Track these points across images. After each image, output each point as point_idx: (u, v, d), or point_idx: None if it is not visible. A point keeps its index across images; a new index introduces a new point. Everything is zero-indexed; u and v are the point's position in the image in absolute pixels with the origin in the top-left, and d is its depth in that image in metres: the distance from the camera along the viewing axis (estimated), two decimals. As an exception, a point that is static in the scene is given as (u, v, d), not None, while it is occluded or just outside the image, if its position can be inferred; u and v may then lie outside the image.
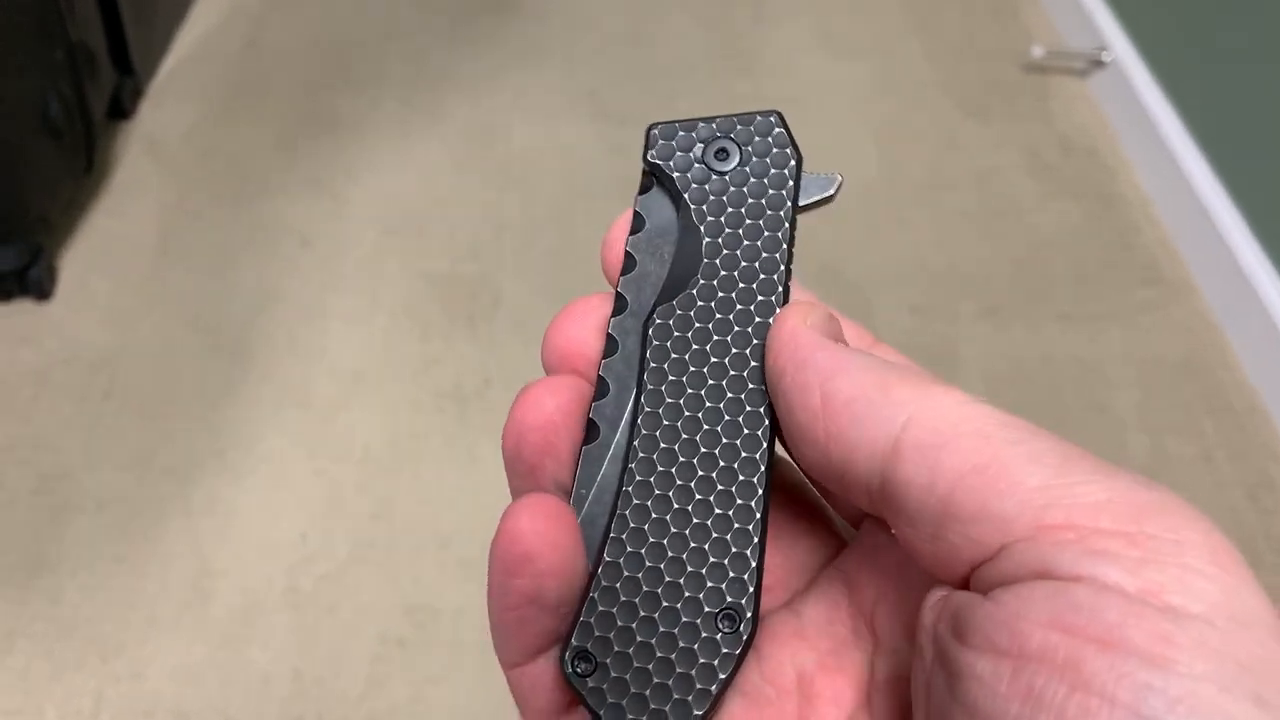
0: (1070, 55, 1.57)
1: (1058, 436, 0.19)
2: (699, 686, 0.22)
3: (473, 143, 1.44)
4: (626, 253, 0.25)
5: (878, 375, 0.20)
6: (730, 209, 0.25)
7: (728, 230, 0.25)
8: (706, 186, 0.25)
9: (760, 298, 0.24)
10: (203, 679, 0.93)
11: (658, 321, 0.24)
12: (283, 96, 1.50)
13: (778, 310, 0.24)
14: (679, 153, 0.25)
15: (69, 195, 1.27)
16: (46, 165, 1.20)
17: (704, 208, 0.25)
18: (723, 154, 0.25)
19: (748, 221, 0.25)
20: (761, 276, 0.24)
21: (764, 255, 0.25)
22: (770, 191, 0.25)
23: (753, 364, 0.24)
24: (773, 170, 0.25)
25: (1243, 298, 1.20)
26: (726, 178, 0.25)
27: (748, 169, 0.25)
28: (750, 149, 0.25)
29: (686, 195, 0.25)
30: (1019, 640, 0.17)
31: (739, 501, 0.22)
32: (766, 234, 0.25)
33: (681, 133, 0.25)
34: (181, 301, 1.22)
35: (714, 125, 0.25)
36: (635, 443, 0.23)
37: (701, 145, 0.25)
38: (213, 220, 1.32)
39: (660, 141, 0.25)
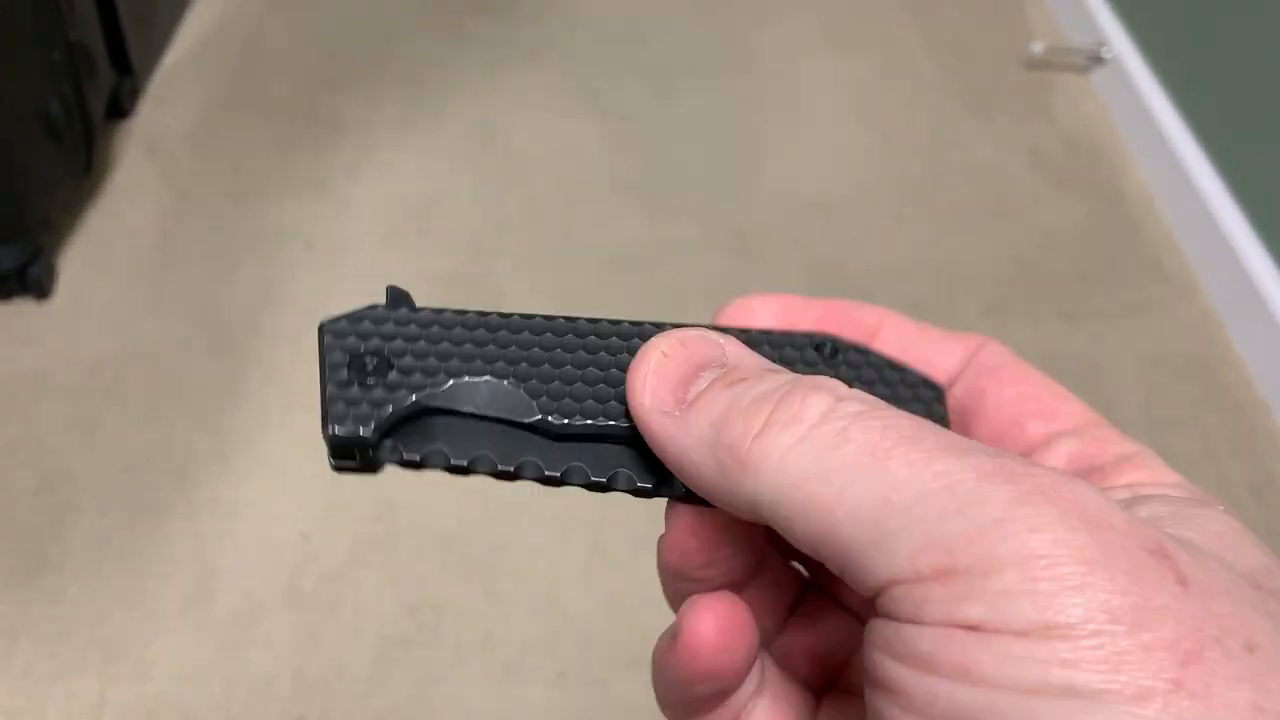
0: (1070, 51, 1.56)
1: (888, 451, 0.19)
2: None
3: (474, 142, 1.44)
4: None
5: (714, 455, 0.21)
6: (428, 361, 0.25)
7: None
8: (407, 381, 0.24)
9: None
10: (205, 679, 0.93)
11: (557, 420, 0.24)
12: (283, 96, 1.50)
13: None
14: (359, 407, 0.24)
15: (68, 195, 1.27)
16: (46, 165, 1.20)
17: (429, 387, 0.24)
18: (368, 364, 0.24)
19: (440, 346, 0.25)
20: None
21: (477, 332, 0.25)
22: (409, 329, 0.25)
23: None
24: (382, 327, 0.25)
25: (1245, 295, 1.19)
26: (396, 366, 0.24)
27: (385, 350, 0.25)
28: (366, 345, 0.25)
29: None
30: (870, 668, 0.19)
31: None
32: (456, 330, 0.25)
33: (334, 405, 0.23)
34: (183, 302, 1.22)
35: (331, 376, 0.24)
36: None
37: (355, 388, 0.24)
38: (214, 220, 1.32)
39: (340, 427, 0.24)
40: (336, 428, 0.23)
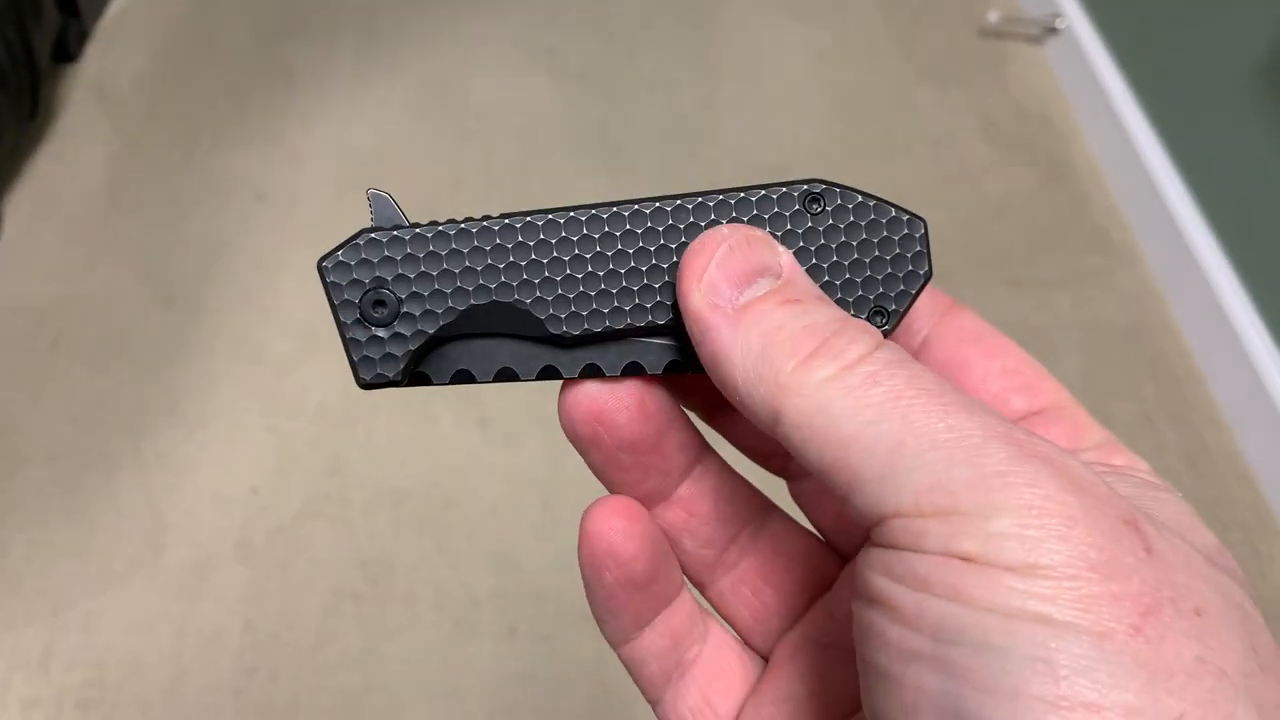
0: (1025, 21, 1.58)
1: (910, 400, 0.21)
2: None
3: (429, 96, 1.43)
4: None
5: (750, 363, 0.23)
6: (435, 287, 0.26)
7: None
8: (420, 315, 0.26)
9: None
10: (155, 631, 0.93)
11: (567, 329, 0.25)
12: (235, 44, 1.47)
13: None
14: (380, 351, 0.26)
15: (13, 141, 1.24)
16: (-9, 110, 1.17)
17: (442, 316, 0.26)
18: (377, 303, 0.26)
19: (445, 268, 0.26)
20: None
21: (478, 243, 0.26)
22: (405, 252, 0.26)
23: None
24: (377, 256, 0.26)
25: (1185, 267, 1.22)
26: (405, 300, 0.26)
27: (388, 284, 0.26)
28: (368, 282, 0.26)
29: None
30: (864, 587, 0.21)
31: None
32: (453, 245, 0.26)
33: (356, 354, 0.25)
34: (131, 252, 1.21)
35: (346, 324, 0.26)
36: None
37: (370, 330, 0.25)
38: (163, 169, 1.30)
39: (371, 376, 0.25)
40: (366, 378, 0.25)
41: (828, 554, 0.30)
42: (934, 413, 0.20)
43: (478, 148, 1.37)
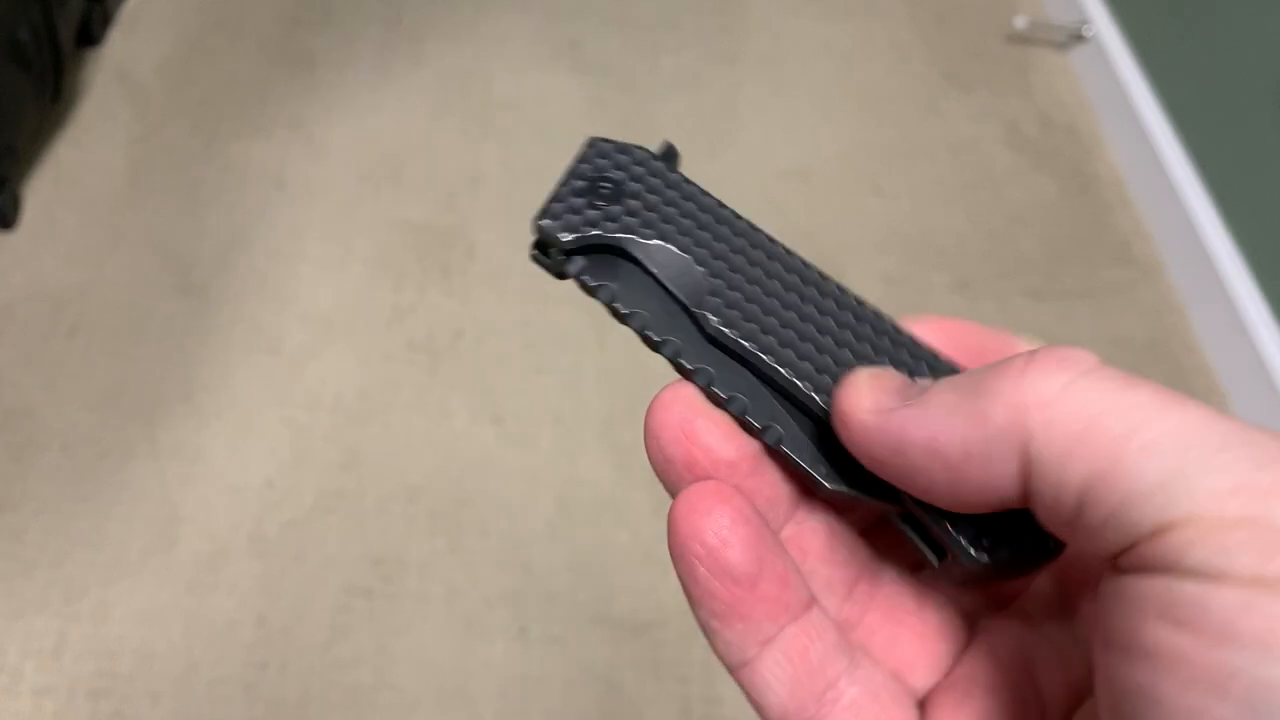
0: (1052, 28, 1.57)
1: (1181, 400, 0.18)
2: None
3: (450, 88, 1.42)
4: (634, 312, 0.24)
5: (963, 405, 0.20)
6: (650, 215, 0.25)
7: (665, 229, 0.25)
8: (622, 220, 0.25)
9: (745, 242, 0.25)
10: (167, 623, 0.93)
11: (714, 320, 0.24)
12: (257, 31, 1.47)
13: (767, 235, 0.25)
14: (574, 216, 0.25)
15: (35, 124, 1.24)
16: (14, 94, 1.17)
17: (636, 235, 0.25)
18: (604, 189, 0.25)
19: (669, 210, 0.25)
20: (726, 230, 0.25)
21: (708, 217, 0.25)
22: (655, 181, 0.25)
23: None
24: (637, 167, 0.25)
25: (1207, 282, 1.21)
26: (624, 203, 0.25)
27: (625, 186, 0.25)
28: (613, 173, 0.25)
29: (618, 237, 0.25)
30: (1133, 636, 0.17)
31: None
32: (691, 205, 0.25)
33: (556, 203, 0.25)
34: (150, 238, 1.20)
35: (570, 179, 0.25)
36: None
37: (581, 199, 0.25)
38: (184, 155, 1.30)
39: (550, 222, 0.24)
40: (546, 221, 0.24)
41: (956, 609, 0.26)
42: (1213, 412, 0.17)
43: (498, 142, 1.36)
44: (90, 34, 1.37)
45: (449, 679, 0.93)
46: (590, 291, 0.24)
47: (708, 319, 0.24)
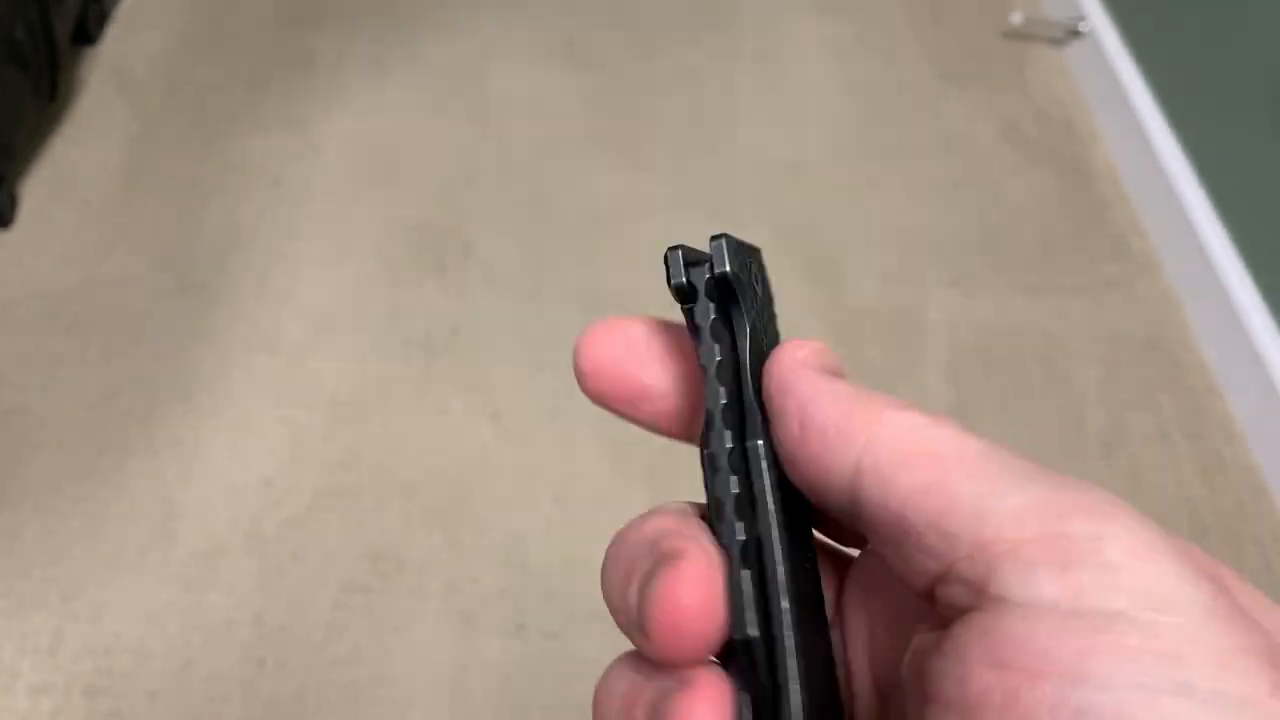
0: (1048, 24, 1.57)
1: (1010, 450, 0.19)
2: None
3: (447, 85, 1.42)
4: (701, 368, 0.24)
5: (846, 402, 0.21)
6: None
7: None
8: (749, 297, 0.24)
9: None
10: (164, 621, 0.94)
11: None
12: (254, 29, 1.47)
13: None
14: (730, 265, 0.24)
15: (32, 123, 1.24)
16: (10, 92, 1.17)
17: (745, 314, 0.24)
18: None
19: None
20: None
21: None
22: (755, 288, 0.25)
23: None
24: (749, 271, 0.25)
25: (1203, 277, 1.22)
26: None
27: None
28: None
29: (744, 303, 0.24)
30: (961, 687, 0.17)
31: None
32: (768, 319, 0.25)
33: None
34: (147, 236, 1.20)
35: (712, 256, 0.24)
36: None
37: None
38: (181, 153, 1.30)
39: (728, 254, 0.24)
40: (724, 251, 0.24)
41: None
42: (1022, 460, 0.19)
43: (494, 138, 1.36)
44: (87, 32, 1.37)
45: (446, 675, 0.93)
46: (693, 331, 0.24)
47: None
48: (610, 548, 0.23)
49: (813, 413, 0.21)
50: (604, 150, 1.37)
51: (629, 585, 0.21)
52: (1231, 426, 1.13)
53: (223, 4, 1.50)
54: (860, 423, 0.20)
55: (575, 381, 0.25)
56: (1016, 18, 1.55)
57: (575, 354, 0.25)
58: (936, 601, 0.19)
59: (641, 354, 0.25)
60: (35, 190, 1.23)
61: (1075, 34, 1.53)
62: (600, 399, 0.25)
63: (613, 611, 0.22)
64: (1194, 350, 1.20)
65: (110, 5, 1.43)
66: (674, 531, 0.22)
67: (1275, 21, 1.17)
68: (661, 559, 0.20)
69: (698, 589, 0.20)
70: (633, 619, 0.21)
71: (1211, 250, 1.21)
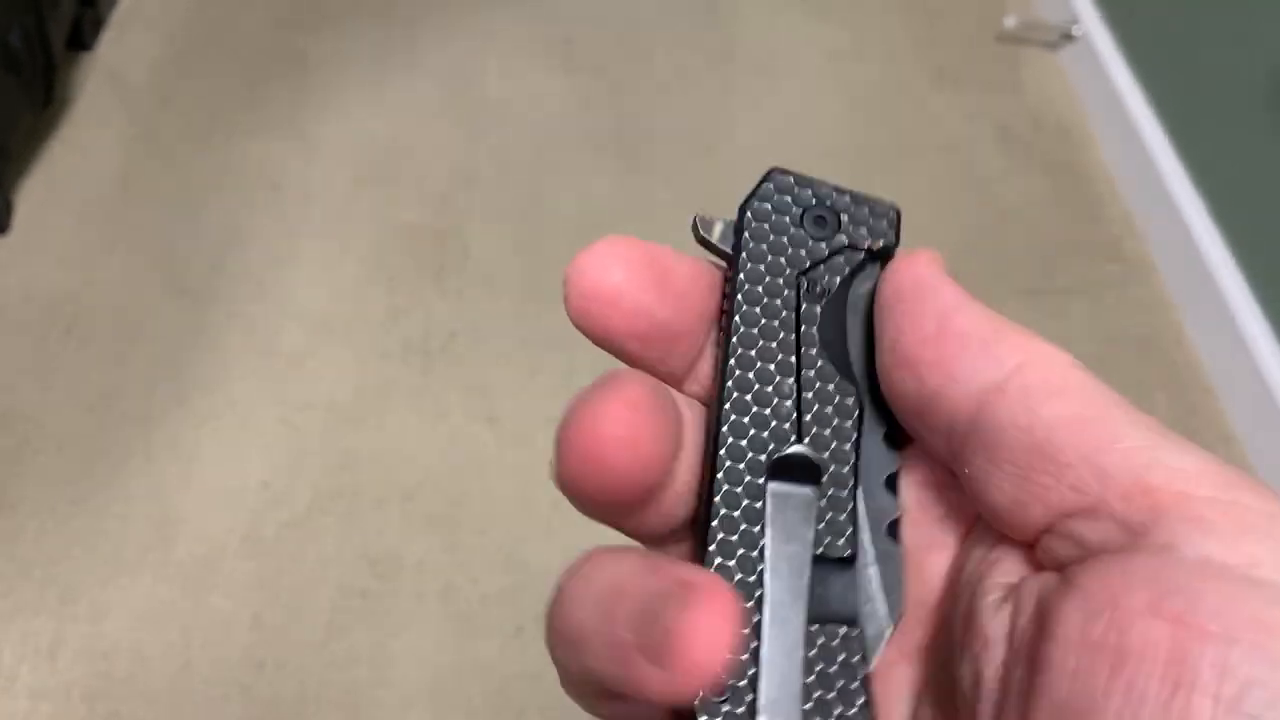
0: (1042, 27, 1.57)
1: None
2: None
3: (444, 88, 1.43)
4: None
5: (997, 321, 0.20)
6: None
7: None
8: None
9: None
10: (163, 623, 0.94)
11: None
12: (250, 32, 1.47)
13: None
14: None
15: (27, 128, 1.24)
16: (5, 98, 1.17)
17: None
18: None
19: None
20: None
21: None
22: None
23: None
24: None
25: (1198, 279, 1.22)
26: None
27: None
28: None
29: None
30: (1119, 633, 0.16)
31: None
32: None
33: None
34: (145, 240, 1.20)
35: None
36: None
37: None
38: (177, 157, 1.30)
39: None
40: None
41: None
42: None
43: (492, 142, 1.36)
44: (81, 38, 1.37)
45: (445, 678, 0.93)
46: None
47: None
48: (565, 603, 0.19)
49: (958, 320, 0.20)
50: (602, 153, 1.37)
51: (616, 624, 0.18)
52: (1226, 426, 1.14)
53: (218, 7, 1.50)
54: (1013, 345, 0.20)
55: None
56: (1010, 21, 1.56)
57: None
58: (1053, 537, 0.18)
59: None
60: (31, 195, 1.23)
61: (1069, 37, 1.53)
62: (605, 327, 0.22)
63: (583, 658, 0.19)
64: (1189, 351, 1.21)
65: (105, 10, 1.43)
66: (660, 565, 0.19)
67: (1268, 24, 1.17)
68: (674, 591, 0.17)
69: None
70: (626, 655, 0.17)
71: (1206, 251, 1.21)
